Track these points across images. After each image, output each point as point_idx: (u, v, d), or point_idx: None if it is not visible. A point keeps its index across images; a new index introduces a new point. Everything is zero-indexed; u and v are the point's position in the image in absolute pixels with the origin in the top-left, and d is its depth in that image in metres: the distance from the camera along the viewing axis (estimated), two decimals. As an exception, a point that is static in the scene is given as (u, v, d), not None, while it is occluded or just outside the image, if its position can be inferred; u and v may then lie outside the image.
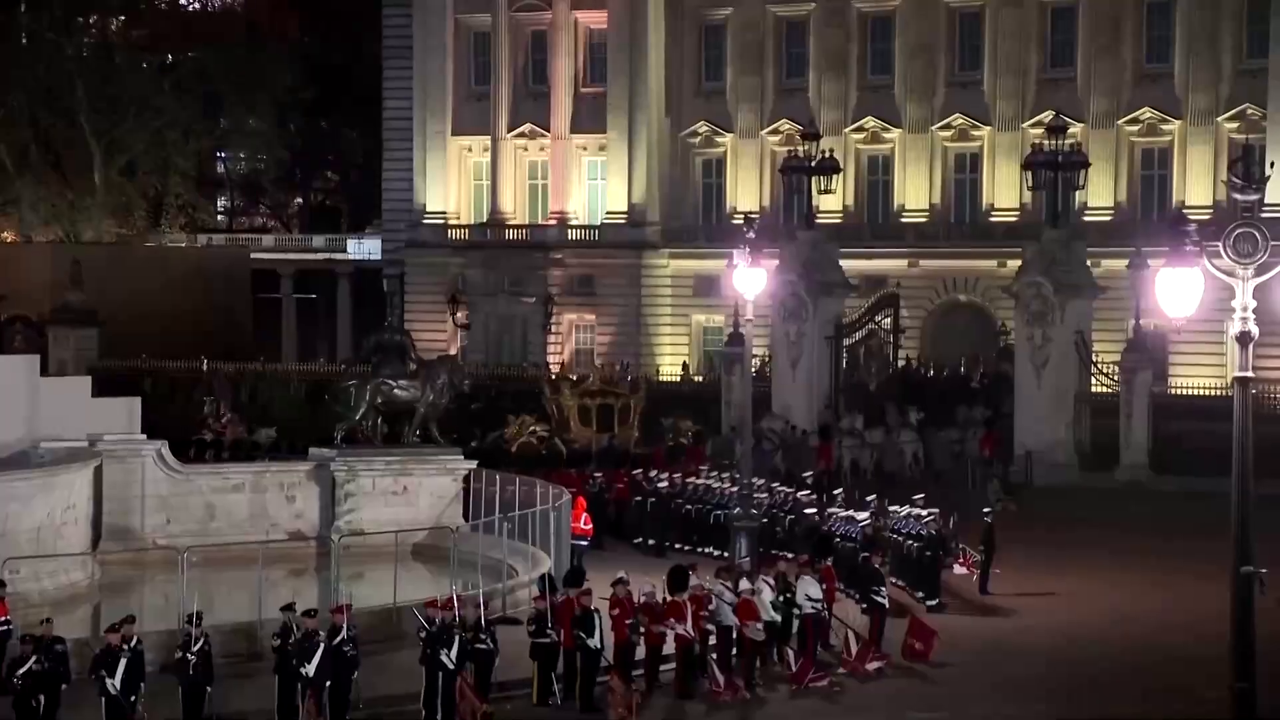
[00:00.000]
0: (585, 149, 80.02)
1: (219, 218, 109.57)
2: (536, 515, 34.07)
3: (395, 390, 37.66)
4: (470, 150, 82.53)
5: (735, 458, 49.56)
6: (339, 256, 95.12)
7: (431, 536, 35.28)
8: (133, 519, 35.49)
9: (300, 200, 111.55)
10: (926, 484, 46.29)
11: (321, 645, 24.04)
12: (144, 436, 36.55)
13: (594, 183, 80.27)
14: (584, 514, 37.25)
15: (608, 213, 79.08)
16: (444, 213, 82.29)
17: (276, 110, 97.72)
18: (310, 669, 23.84)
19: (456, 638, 24.84)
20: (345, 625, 24.54)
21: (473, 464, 38.35)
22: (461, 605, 25.87)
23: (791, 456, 50.32)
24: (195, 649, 23.68)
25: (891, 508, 36.55)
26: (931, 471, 52.17)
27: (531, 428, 52.55)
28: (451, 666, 24.63)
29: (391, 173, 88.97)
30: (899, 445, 53.98)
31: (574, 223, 79.99)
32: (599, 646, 26.06)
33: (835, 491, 39.82)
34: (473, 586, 28.68)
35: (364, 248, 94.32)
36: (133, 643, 23.42)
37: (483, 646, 25.33)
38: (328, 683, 24.04)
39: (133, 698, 23.13)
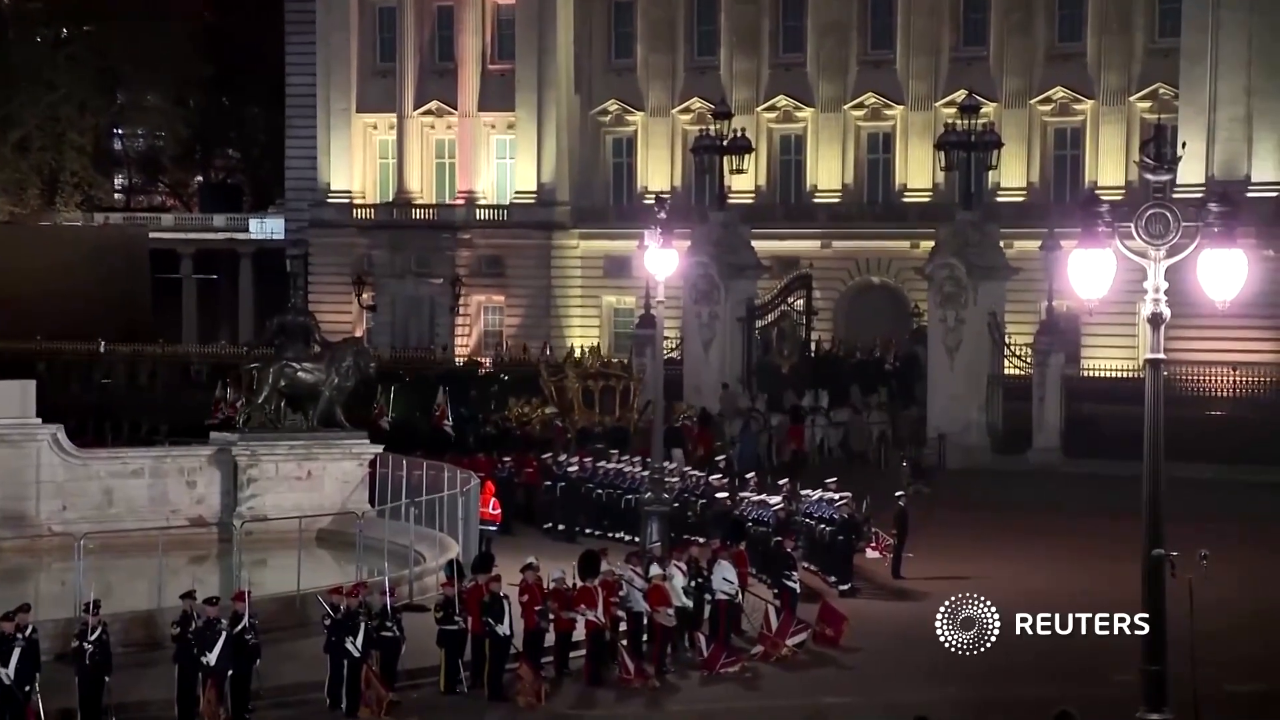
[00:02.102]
0: (494, 127, 79.29)
1: (116, 196, 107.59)
2: (444, 500, 33.75)
3: (299, 373, 37.33)
4: (375, 128, 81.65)
5: (725, 439, 49.62)
6: (241, 236, 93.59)
7: (336, 522, 34.90)
8: (27, 505, 35.05)
9: (201, 178, 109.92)
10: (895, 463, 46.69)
11: (223, 633, 23.80)
12: (39, 420, 35.89)
13: (502, 162, 79.56)
14: (492, 499, 36.95)
15: (516, 192, 78.39)
16: (349, 192, 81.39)
17: (176, 86, 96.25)
18: (211, 658, 23.60)
19: (362, 625, 24.76)
20: (247, 613, 24.16)
21: (378, 448, 37.92)
22: (367, 592, 25.65)
23: (777, 438, 50.33)
24: (93, 638, 23.34)
25: (804, 491, 36.44)
26: (900, 451, 52.25)
27: (540, 410, 51.95)
28: (357, 654, 24.53)
29: (295, 151, 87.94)
30: (867, 425, 54.03)
31: (482, 202, 79.25)
32: (508, 633, 25.85)
33: (748, 476, 39.54)
34: (379, 573, 28.38)
35: (266, 227, 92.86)
36: (27, 631, 23.03)
37: (389, 634, 25.24)
38: (229, 671, 23.80)
39: (27, 687, 22.71)
